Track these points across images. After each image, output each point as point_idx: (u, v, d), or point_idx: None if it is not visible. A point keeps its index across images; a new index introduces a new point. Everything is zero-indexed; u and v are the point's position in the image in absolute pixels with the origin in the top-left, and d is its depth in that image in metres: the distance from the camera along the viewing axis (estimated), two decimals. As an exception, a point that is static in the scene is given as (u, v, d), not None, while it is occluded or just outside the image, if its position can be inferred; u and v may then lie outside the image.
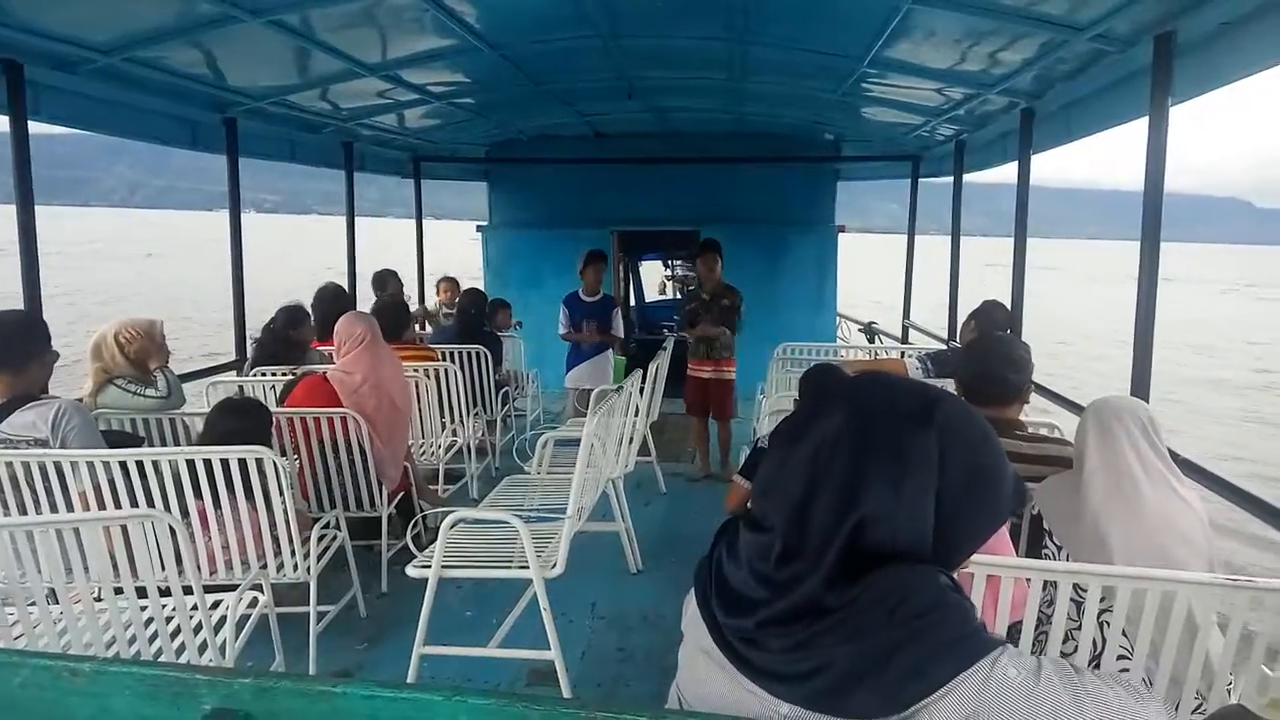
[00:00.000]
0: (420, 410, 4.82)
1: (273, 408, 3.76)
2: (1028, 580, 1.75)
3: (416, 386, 4.70)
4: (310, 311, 5.01)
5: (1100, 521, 1.99)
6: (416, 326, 7.18)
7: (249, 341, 5.20)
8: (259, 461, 2.96)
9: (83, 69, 3.84)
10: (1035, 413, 3.39)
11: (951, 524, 0.98)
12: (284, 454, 3.60)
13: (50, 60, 3.71)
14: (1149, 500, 1.98)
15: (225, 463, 2.94)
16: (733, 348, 5.71)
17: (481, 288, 7.64)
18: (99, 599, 2.26)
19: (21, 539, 2.16)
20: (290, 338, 4.78)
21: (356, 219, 7.23)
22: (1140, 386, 3.31)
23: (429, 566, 2.91)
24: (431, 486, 4.88)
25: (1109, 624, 1.76)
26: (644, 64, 5.23)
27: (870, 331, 8.28)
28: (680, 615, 1.20)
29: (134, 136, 4.96)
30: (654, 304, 11.89)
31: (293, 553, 3.09)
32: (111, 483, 2.82)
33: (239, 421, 3.23)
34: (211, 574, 2.99)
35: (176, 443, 3.64)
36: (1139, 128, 3.42)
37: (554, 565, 2.98)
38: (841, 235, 8.60)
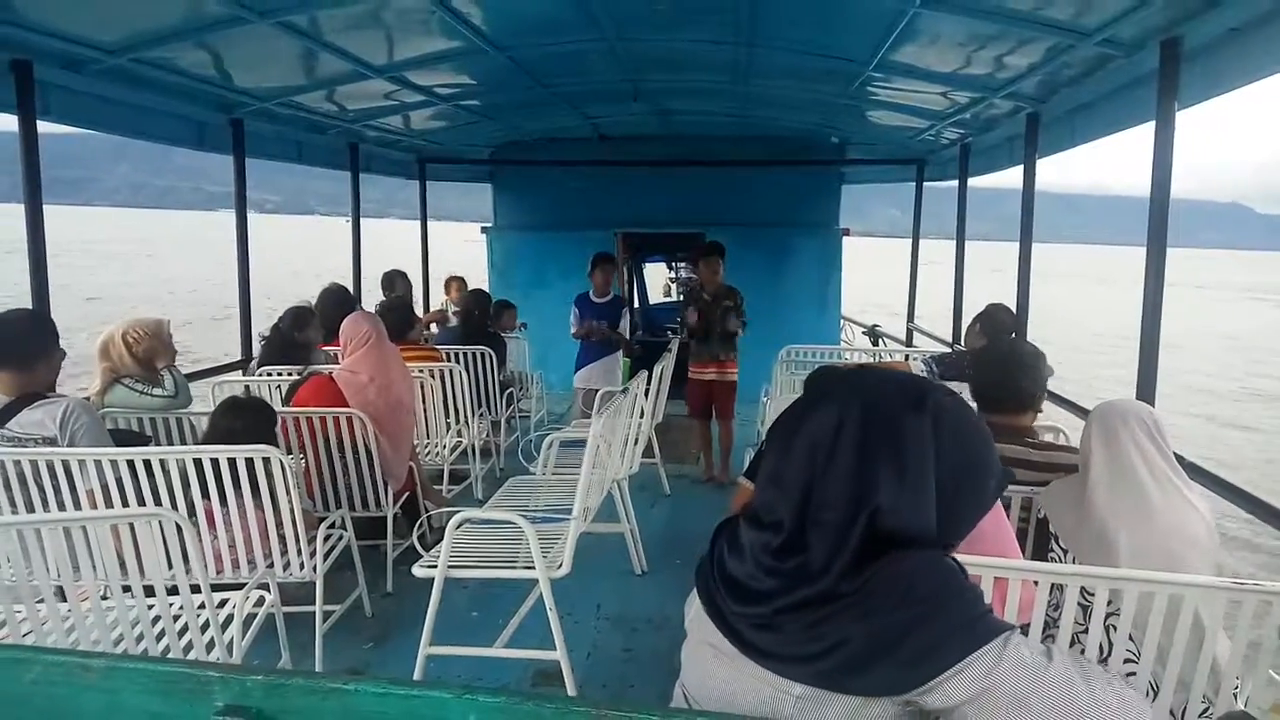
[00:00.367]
0: (425, 411, 4.83)
1: (279, 407, 3.77)
2: (1035, 582, 1.75)
3: (421, 387, 4.71)
4: (316, 312, 5.02)
5: (1106, 525, 1.98)
6: (434, 327, 7.21)
7: (255, 341, 5.21)
8: (266, 461, 2.97)
9: (91, 69, 3.85)
10: (1040, 417, 3.38)
11: (948, 507, 1.01)
12: (290, 453, 3.61)
13: (59, 60, 3.72)
14: (1155, 503, 1.97)
15: (232, 462, 2.95)
16: (735, 349, 5.72)
17: (485, 289, 7.65)
18: (106, 597, 2.27)
19: (30, 537, 2.17)
20: (296, 338, 4.79)
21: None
22: (1145, 390, 3.30)
23: (435, 566, 2.91)
24: (436, 487, 4.88)
25: (1115, 628, 1.76)
26: (650, 67, 5.23)
27: (874, 334, 8.28)
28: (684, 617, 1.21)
29: (141, 137, 4.97)
30: (658, 306, 11.90)
31: (299, 552, 3.10)
32: (119, 481, 2.83)
33: (242, 420, 3.24)
34: (218, 573, 3.01)
35: (183, 442, 3.65)
36: (1138, 134, 3.42)
37: (560, 565, 2.99)
38: (845, 238, 8.61)
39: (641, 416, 4.49)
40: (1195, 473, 2.78)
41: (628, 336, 6.54)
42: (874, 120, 6.61)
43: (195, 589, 2.33)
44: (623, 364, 6.59)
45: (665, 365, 5.20)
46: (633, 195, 8.31)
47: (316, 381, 4.00)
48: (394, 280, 6.91)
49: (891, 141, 7.44)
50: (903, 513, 0.98)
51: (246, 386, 4.43)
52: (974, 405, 2.60)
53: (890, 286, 16.22)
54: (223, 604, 2.71)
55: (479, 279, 8.79)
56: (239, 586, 2.80)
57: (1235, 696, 1.78)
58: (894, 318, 9.82)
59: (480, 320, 6.20)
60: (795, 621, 0.99)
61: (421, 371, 4.80)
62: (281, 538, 3.08)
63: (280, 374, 4.55)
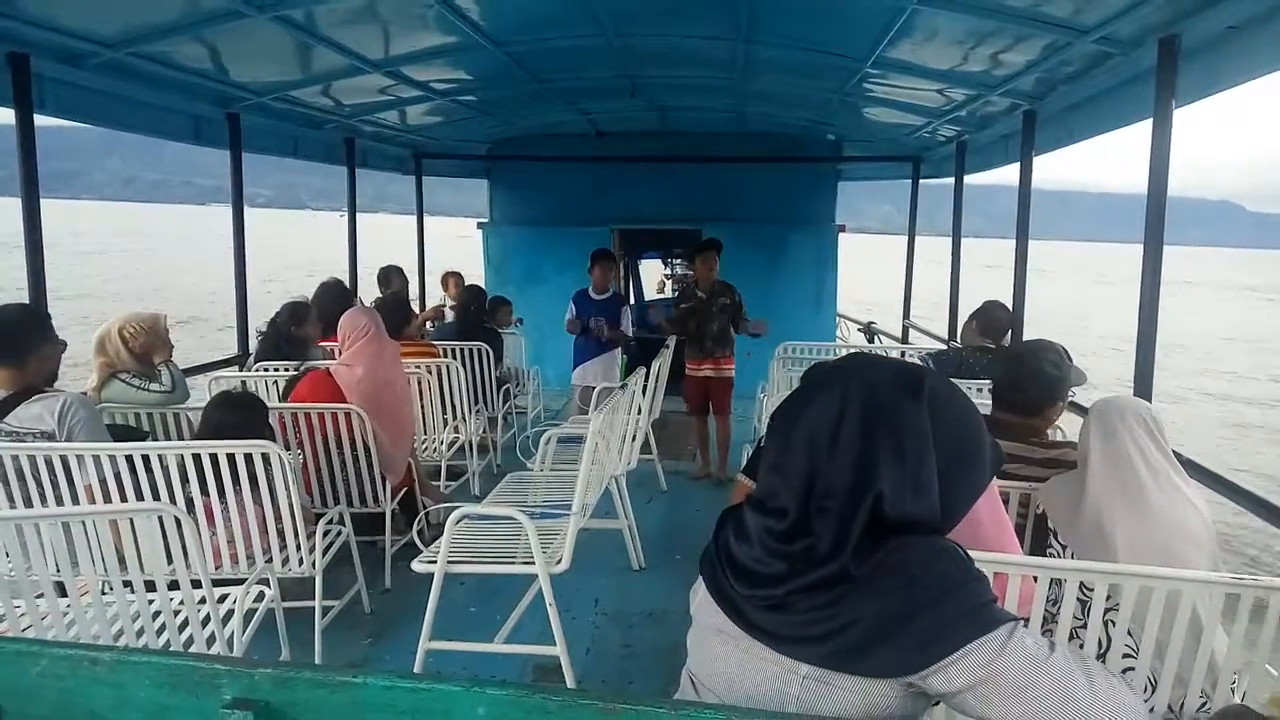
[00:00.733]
0: (422, 407, 4.83)
1: (277, 403, 3.76)
2: (1034, 577, 1.76)
3: (418, 383, 4.71)
4: (313, 306, 5.01)
5: (1104, 521, 2.00)
6: (430, 324, 7.19)
7: (253, 336, 5.20)
8: (264, 456, 2.97)
9: (88, 63, 3.83)
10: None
11: (946, 490, 1.03)
12: (288, 448, 3.60)
13: (56, 53, 3.70)
14: (1154, 499, 1.98)
15: (230, 457, 2.95)
16: (732, 345, 5.72)
17: (480, 284, 7.64)
18: (105, 592, 2.26)
19: (29, 532, 2.17)
20: (293, 333, 4.78)
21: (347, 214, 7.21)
22: (1143, 386, 3.32)
23: (434, 562, 2.91)
24: (434, 483, 4.88)
25: (1114, 622, 1.77)
26: (647, 63, 5.23)
27: (870, 331, 8.29)
28: (684, 611, 1.22)
29: (137, 130, 4.94)
30: (654, 302, 11.91)
31: (298, 547, 3.10)
32: (118, 476, 2.83)
33: (234, 415, 3.22)
34: (217, 568, 3.00)
35: (181, 437, 3.64)
36: (1130, 132, 3.41)
37: (559, 560, 2.99)
38: (841, 235, 8.63)
39: (639, 413, 4.49)
40: (1193, 470, 2.79)
41: (629, 335, 6.55)
42: (870, 117, 6.61)
43: (196, 584, 2.32)
44: (620, 361, 6.60)
45: (663, 362, 5.21)
46: (629, 191, 8.31)
47: (315, 376, 4.00)
48: (390, 276, 6.89)
49: (888, 139, 7.45)
50: (905, 498, 1.00)
51: (244, 382, 4.42)
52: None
53: (884, 283, 16.18)
54: (223, 599, 2.71)
55: (473, 274, 8.78)
56: (238, 582, 2.80)
57: (1233, 691, 1.80)
58: (885, 312, 9.82)
59: (476, 316, 6.19)
60: (806, 602, 1.00)
61: (418, 367, 4.80)
62: (280, 533, 3.08)
63: (277, 369, 4.54)
